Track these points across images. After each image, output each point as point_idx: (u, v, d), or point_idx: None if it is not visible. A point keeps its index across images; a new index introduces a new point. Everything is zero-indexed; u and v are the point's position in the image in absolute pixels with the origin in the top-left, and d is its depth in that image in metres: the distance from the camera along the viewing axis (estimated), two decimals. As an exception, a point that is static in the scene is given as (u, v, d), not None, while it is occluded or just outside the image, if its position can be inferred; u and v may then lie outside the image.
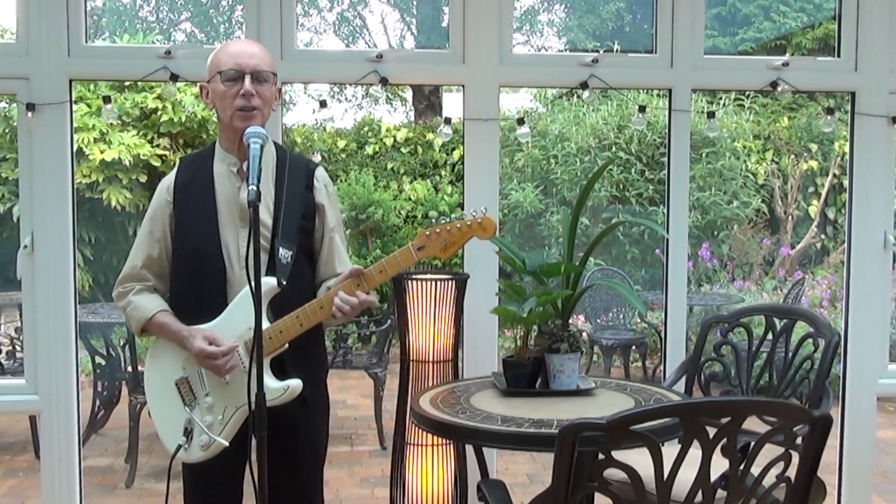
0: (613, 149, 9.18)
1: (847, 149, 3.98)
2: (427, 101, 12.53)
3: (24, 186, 3.58)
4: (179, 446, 2.58)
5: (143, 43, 10.07)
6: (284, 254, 2.57)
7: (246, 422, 2.56)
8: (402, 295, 3.52)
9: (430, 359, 3.53)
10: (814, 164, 10.18)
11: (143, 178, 8.59)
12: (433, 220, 2.64)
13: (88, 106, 8.32)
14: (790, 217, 9.93)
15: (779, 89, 3.79)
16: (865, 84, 3.84)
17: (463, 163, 3.80)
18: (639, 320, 7.97)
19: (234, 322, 2.58)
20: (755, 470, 2.02)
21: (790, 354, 3.27)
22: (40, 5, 3.51)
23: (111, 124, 8.29)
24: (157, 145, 8.68)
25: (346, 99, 14.52)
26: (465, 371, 3.69)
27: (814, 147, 10.23)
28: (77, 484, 3.67)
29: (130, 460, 5.10)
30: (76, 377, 3.64)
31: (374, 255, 9.17)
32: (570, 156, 9.27)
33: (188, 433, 2.58)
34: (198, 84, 2.74)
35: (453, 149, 10.01)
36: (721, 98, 9.68)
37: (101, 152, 8.29)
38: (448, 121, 3.93)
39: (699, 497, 1.98)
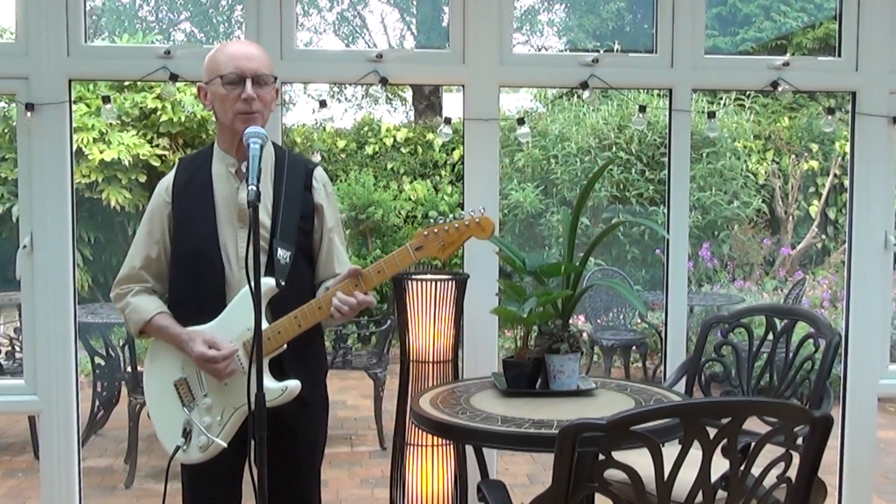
0: (614, 149, 9.18)
1: (848, 149, 3.98)
2: (427, 100, 12.53)
3: (23, 186, 3.57)
4: (178, 447, 2.58)
5: (142, 43, 10.07)
6: (283, 254, 2.56)
7: (245, 423, 2.55)
8: (401, 295, 3.51)
9: (430, 359, 3.53)
10: (814, 164, 10.17)
11: (143, 178, 8.59)
12: (432, 220, 2.63)
13: (88, 106, 8.31)
14: (791, 217, 9.93)
15: (779, 89, 3.79)
16: (866, 84, 3.83)
17: (463, 163, 3.79)
18: (639, 320, 7.97)
19: (233, 323, 2.57)
20: (756, 470, 2.02)
21: (791, 355, 3.27)
22: (39, 5, 3.51)
23: (110, 124, 8.29)
24: (157, 145, 8.67)
25: (345, 99, 14.53)
26: (465, 371, 3.68)
27: (814, 147, 10.23)
28: (76, 484, 3.66)
29: (130, 461, 5.10)
30: (75, 377, 3.63)
31: (373, 256, 9.16)
32: (570, 156, 9.26)
33: (187, 434, 2.58)
34: (196, 85, 2.73)
35: (453, 149, 10.01)
36: (721, 98, 9.68)
37: (101, 152, 8.29)
38: (448, 121, 3.92)
39: (699, 498, 1.97)
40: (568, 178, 9.23)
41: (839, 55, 3.89)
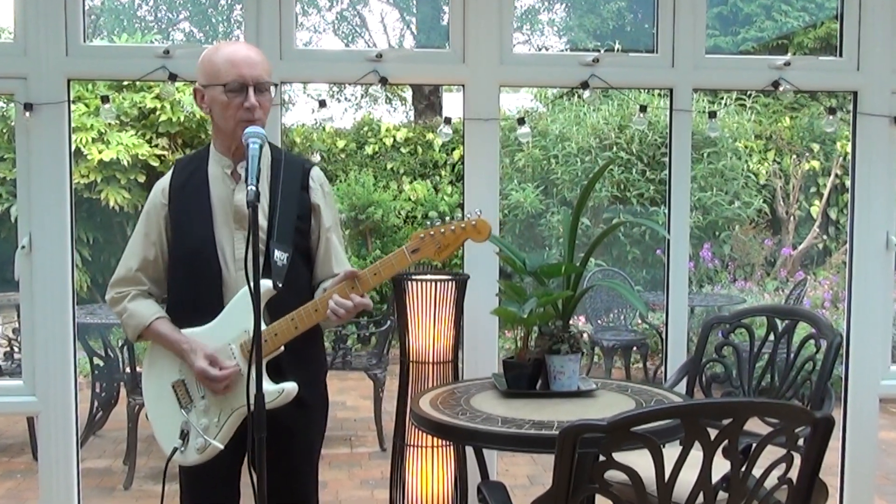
0: (614, 149, 9.17)
1: (849, 149, 3.97)
2: (427, 100, 12.53)
3: (21, 187, 3.56)
4: (175, 449, 2.58)
5: (141, 42, 10.07)
6: (280, 256, 2.56)
7: (242, 424, 2.55)
8: (401, 296, 3.50)
9: (430, 360, 3.52)
10: (816, 164, 10.16)
11: (142, 179, 8.59)
12: (430, 222, 2.63)
13: (87, 106, 8.31)
14: (792, 217, 9.92)
15: (780, 89, 3.78)
16: (867, 84, 3.82)
17: (463, 163, 3.79)
18: (640, 321, 7.96)
19: (230, 324, 2.57)
20: (757, 471, 2.02)
21: (792, 355, 3.26)
22: (38, 5, 3.50)
23: (109, 124, 8.29)
24: (156, 145, 8.67)
25: (345, 99, 14.52)
26: (465, 372, 3.67)
27: (816, 147, 10.22)
28: (75, 486, 3.65)
29: (129, 462, 5.09)
30: (74, 378, 3.62)
31: (373, 256, 9.16)
32: (570, 156, 9.26)
33: (184, 436, 2.57)
34: (193, 87, 2.71)
35: (453, 149, 10.01)
36: (722, 98, 9.67)
37: (100, 152, 8.29)
38: (448, 121, 3.91)
39: (700, 499, 1.97)
40: (568, 178, 9.22)
41: (840, 55, 3.87)
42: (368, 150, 10.24)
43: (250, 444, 2.22)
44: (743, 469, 1.97)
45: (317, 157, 9.48)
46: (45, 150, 3.52)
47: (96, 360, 5.40)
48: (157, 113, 8.62)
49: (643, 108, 3.98)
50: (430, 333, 3.49)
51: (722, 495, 1.99)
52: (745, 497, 2.02)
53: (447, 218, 2.63)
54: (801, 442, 2.05)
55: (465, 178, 3.74)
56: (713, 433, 1.91)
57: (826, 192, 9.98)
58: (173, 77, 3.53)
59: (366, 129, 10.47)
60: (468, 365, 3.70)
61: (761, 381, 3.36)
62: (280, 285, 2.52)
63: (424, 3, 16.38)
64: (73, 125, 3.71)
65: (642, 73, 3.85)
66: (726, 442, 1.91)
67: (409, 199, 9.82)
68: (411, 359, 3.54)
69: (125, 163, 8.41)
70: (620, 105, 9.33)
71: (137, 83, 8.38)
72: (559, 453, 1.93)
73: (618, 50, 9.27)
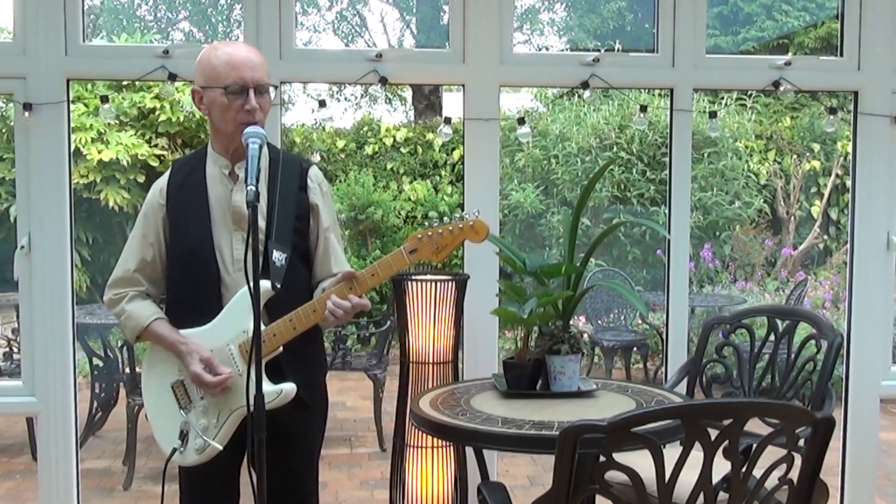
0: (615, 149, 9.17)
1: (850, 149, 3.96)
2: (427, 100, 12.52)
3: (20, 186, 3.56)
4: (175, 449, 2.57)
5: (140, 42, 10.06)
6: (278, 256, 2.55)
7: (241, 425, 2.55)
8: (401, 296, 3.50)
9: (430, 360, 3.51)
10: (816, 164, 10.16)
11: (141, 179, 8.58)
12: (428, 223, 2.62)
13: (86, 105, 8.30)
14: (792, 217, 9.91)
15: (781, 89, 3.77)
16: (868, 83, 3.81)
17: (463, 163, 3.78)
18: (640, 321, 7.96)
19: (229, 325, 2.57)
20: (757, 472, 2.02)
21: (792, 356, 3.25)
22: (37, 4, 3.49)
23: (109, 124, 8.28)
24: (156, 145, 8.66)
25: (345, 98, 14.51)
26: (465, 373, 3.67)
27: (816, 147, 10.22)
28: (74, 486, 3.64)
29: (128, 462, 5.08)
30: (73, 379, 3.62)
31: (373, 256, 9.15)
32: (570, 156, 9.25)
33: (183, 436, 2.57)
34: (190, 88, 2.69)
35: (453, 149, 10.00)
36: (723, 98, 9.66)
37: (99, 152, 8.28)
38: (448, 120, 3.91)
39: (701, 499, 1.97)
40: (568, 178, 9.22)
41: (841, 55, 3.87)
42: (368, 150, 10.23)
43: (250, 445, 2.22)
44: (743, 470, 1.97)
45: (317, 157, 9.46)
46: (44, 150, 3.51)
47: (96, 361, 5.39)
48: (157, 113, 8.61)
49: (643, 108, 3.97)
50: (430, 334, 3.49)
51: (722, 496, 1.99)
52: (745, 498, 2.01)
53: (446, 218, 2.62)
54: (801, 442, 2.05)
55: (465, 178, 3.74)
56: (714, 434, 1.91)
57: (827, 193, 9.97)
58: (173, 77, 3.52)
59: (365, 129, 10.47)
60: (468, 365, 3.69)
61: (762, 381, 3.35)
62: (278, 286, 2.51)
63: (424, 3, 16.38)
64: (72, 125, 3.71)
65: (643, 72, 3.84)
66: (727, 442, 1.91)
67: (409, 200, 9.81)
68: (411, 359, 3.53)
69: (124, 163, 8.40)
70: (621, 105, 9.32)
71: (137, 83, 8.37)
72: (559, 454, 1.93)
73: (618, 50, 9.27)
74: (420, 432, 3.22)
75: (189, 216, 2.64)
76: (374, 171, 10.03)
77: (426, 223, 2.63)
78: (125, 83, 8.45)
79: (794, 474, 2.05)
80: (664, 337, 3.92)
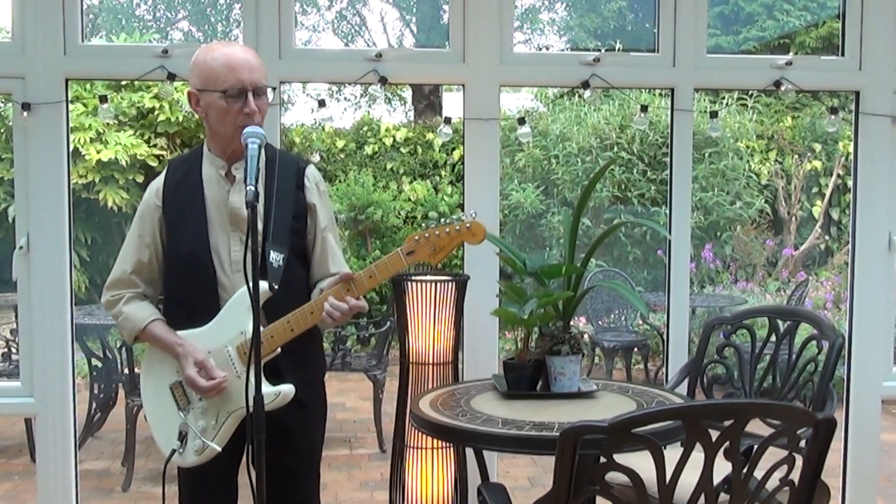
0: (615, 149, 9.16)
1: (851, 148, 3.95)
2: (427, 100, 12.51)
3: (19, 187, 3.55)
4: (174, 451, 2.57)
5: (139, 42, 10.05)
6: (276, 257, 2.53)
7: (240, 426, 2.54)
8: (401, 296, 3.49)
9: (430, 361, 3.50)
10: (817, 164, 10.15)
11: (140, 179, 8.57)
12: (425, 225, 2.61)
13: (85, 105, 8.29)
14: (794, 218, 9.91)
15: (782, 88, 3.76)
16: (870, 83, 3.80)
17: (463, 163, 3.78)
18: (641, 322, 7.95)
19: (226, 326, 2.56)
20: (758, 473, 2.01)
21: (794, 356, 3.24)
22: (36, 4, 3.48)
23: (107, 124, 8.28)
24: (154, 145, 8.66)
25: (344, 98, 14.50)
26: (465, 373, 3.66)
27: (817, 147, 10.21)
28: (73, 487, 3.64)
29: (127, 464, 5.07)
30: (72, 379, 3.61)
31: (373, 256, 9.15)
32: (571, 156, 9.24)
33: (182, 437, 2.56)
34: (187, 91, 2.65)
35: (453, 149, 9.99)
36: (724, 97, 9.66)
37: (98, 152, 8.28)
38: (448, 120, 3.90)
39: (702, 500, 1.97)
40: (569, 178, 9.21)
41: (842, 54, 3.86)
42: (368, 150, 10.22)
43: (249, 446, 2.21)
44: (744, 471, 1.97)
45: (316, 157, 9.46)
46: (42, 150, 3.50)
47: (94, 362, 5.39)
48: (156, 113, 8.61)
49: (644, 108, 3.96)
50: (430, 334, 3.48)
51: (723, 497, 1.99)
52: (746, 499, 2.01)
53: (443, 220, 2.61)
54: (802, 443, 2.05)
55: (465, 179, 3.73)
56: (714, 435, 1.91)
57: (828, 193, 9.97)
58: (172, 77, 3.52)
59: (365, 128, 10.46)
60: (468, 366, 3.68)
61: (763, 382, 3.34)
62: (276, 287, 2.50)
63: (424, 3, 16.39)
64: (71, 125, 3.70)
65: (643, 72, 3.84)
66: (728, 443, 1.91)
67: (409, 200, 9.80)
68: (411, 360, 3.52)
69: (123, 163, 8.40)
70: (621, 105, 9.32)
71: (136, 83, 8.37)
72: (560, 455, 1.93)
73: (619, 49, 9.27)
74: (420, 433, 3.21)
75: (185, 218, 2.63)
76: (374, 172, 10.03)
77: (426, 223, 2.62)
78: (124, 83, 8.45)
79: (796, 475, 2.05)
80: (665, 337, 3.91)
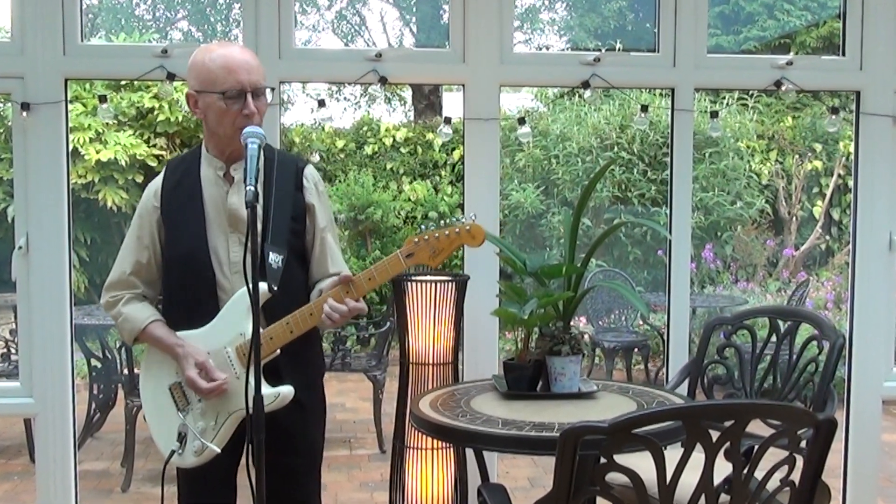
0: (615, 149, 9.15)
1: (852, 148, 3.95)
2: (427, 100, 12.51)
3: (18, 187, 3.55)
4: (173, 451, 2.56)
5: (139, 41, 10.03)
6: (275, 258, 2.52)
7: (239, 427, 2.54)
8: (401, 296, 3.48)
9: (430, 361, 3.50)
10: (818, 164, 10.15)
11: (140, 179, 8.56)
12: (424, 227, 2.60)
13: (84, 105, 8.29)
14: (794, 218, 9.90)
15: (783, 88, 3.76)
16: (870, 83, 3.80)
17: (463, 163, 3.77)
18: (641, 322, 7.94)
19: (225, 328, 2.56)
20: (759, 474, 2.01)
21: (794, 357, 3.24)
22: (35, 4, 3.48)
23: (107, 124, 8.27)
24: (154, 145, 8.65)
25: (344, 98, 14.49)
26: (465, 374, 3.65)
27: (818, 147, 10.20)
28: (72, 488, 3.63)
29: (127, 464, 5.07)
30: (72, 380, 3.60)
31: (373, 256, 9.14)
32: (571, 156, 9.24)
33: (182, 438, 2.56)
34: (185, 92, 2.64)
35: (453, 149, 9.98)
36: (724, 97, 9.65)
37: (97, 152, 8.27)
38: (448, 120, 3.89)
39: (702, 501, 1.97)
40: (569, 178, 9.20)
41: (843, 54, 3.85)
42: (368, 150, 10.22)
43: (249, 447, 2.20)
44: (745, 471, 1.97)
45: (316, 157, 9.46)
46: (42, 150, 3.50)
47: (94, 362, 5.38)
48: (155, 112, 8.60)
49: (644, 108, 3.96)
50: (430, 335, 3.47)
51: (724, 498, 2.00)
52: (747, 499, 2.01)
53: (443, 222, 2.61)
54: (803, 444, 2.05)
55: (465, 179, 3.72)
56: (715, 435, 1.90)
57: (829, 193, 9.96)
58: (171, 76, 3.51)
59: (365, 128, 10.45)
60: (468, 366, 3.68)
61: (763, 382, 3.34)
62: (275, 288, 2.49)
63: (424, 2, 16.38)
64: (70, 125, 3.70)
65: (643, 72, 3.83)
66: (728, 444, 1.91)
67: (409, 200, 9.79)
68: (411, 360, 3.52)
69: (123, 163, 8.39)
70: (622, 105, 9.31)
71: (135, 83, 8.36)
72: (560, 455, 1.93)
73: (619, 49, 9.26)
74: (420, 434, 3.21)
75: (184, 219, 2.62)
76: (374, 172, 10.02)
77: (425, 223, 2.61)
78: (123, 83, 8.45)
79: (796, 476, 2.05)
80: (665, 338, 3.91)
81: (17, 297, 3.57)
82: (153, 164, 8.51)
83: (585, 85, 3.69)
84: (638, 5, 15.43)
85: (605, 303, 7.89)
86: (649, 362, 7.73)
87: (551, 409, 2.78)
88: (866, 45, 3.79)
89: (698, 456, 1.89)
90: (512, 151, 9.46)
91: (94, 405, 5.47)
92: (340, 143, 10.22)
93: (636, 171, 9.14)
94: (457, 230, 2.58)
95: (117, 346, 5.40)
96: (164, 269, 2.68)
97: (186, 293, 2.62)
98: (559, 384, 2.90)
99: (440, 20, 15.45)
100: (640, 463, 1.89)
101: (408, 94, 13.31)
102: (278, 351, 2.52)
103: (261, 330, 2.48)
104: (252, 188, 2.18)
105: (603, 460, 1.89)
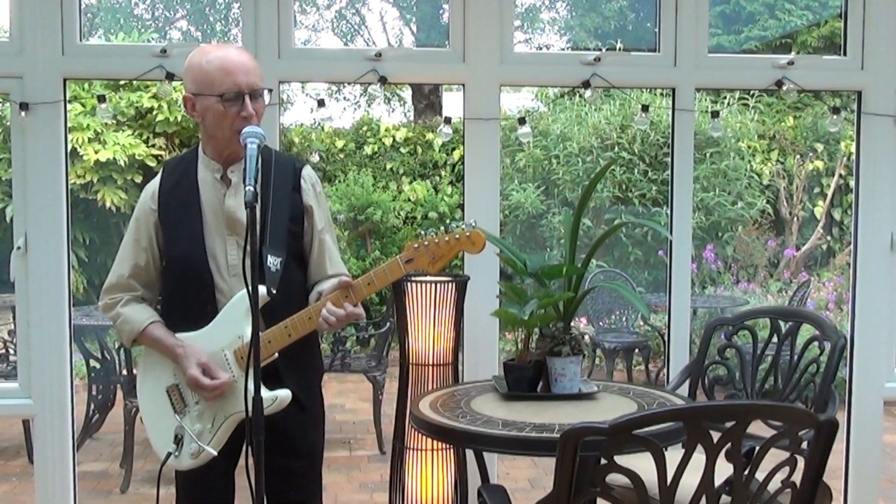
0: (616, 149, 9.15)
1: (853, 148, 3.94)
2: (426, 100, 12.50)
3: (17, 187, 3.54)
4: (169, 454, 2.56)
5: (138, 41, 10.02)
6: (273, 261, 2.51)
7: (237, 429, 2.53)
8: (401, 297, 3.48)
9: (430, 362, 3.49)
10: (819, 164, 10.14)
11: (139, 179, 8.56)
12: (424, 232, 2.59)
13: (83, 105, 8.29)
14: (795, 218, 9.89)
15: (784, 88, 3.75)
16: (872, 83, 3.79)
17: (463, 163, 3.77)
18: (642, 323, 7.94)
19: (223, 331, 2.55)
20: (760, 475, 2.01)
21: (795, 358, 3.23)
22: (34, 3, 3.47)
23: (106, 124, 8.27)
24: (153, 145, 8.65)
25: (344, 98, 14.49)
26: (465, 374, 3.65)
27: (819, 147, 10.19)
28: (71, 489, 3.62)
29: (125, 465, 5.06)
30: (70, 381, 3.60)
31: (373, 257, 9.14)
32: (571, 156, 9.23)
33: (178, 440, 2.55)
34: (183, 95, 2.61)
35: (453, 149, 9.97)
36: (725, 97, 9.64)
37: (96, 152, 8.27)
38: (448, 120, 3.89)
39: (703, 502, 1.97)
40: (569, 178, 9.20)
41: (844, 54, 3.85)
42: (367, 150, 10.21)
43: (247, 449, 2.19)
44: (746, 472, 1.97)
45: (315, 157, 9.46)
46: (40, 150, 3.49)
47: (92, 363, 5.37)
48: (154, 112, 8.61)
49: (645, 108, 3.95)
50: (430, 335, 3.47)
51: (725, 499, 1.99)
52: (748, 501, 2.01)
53: (443, 227, 2.59)
54: (804, 445, 2.05)
55: (466, 179, 3.72)
56: (716, 436, 1.90)
57: (830, 193, 9.95)
58: (170, 76, 3.50)
59: (365, 128, 10.44)
60: (468, 367, 3.67)
61: (764, 383, 3.33)
62: (274, 291, 2.47)
63: (424, 2, 16.37)
64: (69, 125, 3.69)
65: (644, 72, 3.82)
66: (729, 445, 1.91)
67: (409, 200, 9.79)
68: (411, 361, 3.51)
69: (122, 163, 8.39)
70: (622, 105, 9.30)
71: (134, 82, 8.36)
72: (560, 456, 1.92)
73: (619, 49, 9.25)
74: (420, 435, 3.20)
75: (181, 221, 2.61)
76: (374, 172, 10.01)
77: (425, 224, 2.61)
78: (122, 83, 8.45)
79: (797, 477, 2.05)
80: (666, 339, 3.90)
81: (16, 297, 3.57)
82: (152, 164, 8.50)
83: (586, 85, 3.68)
84: (638, 5, 15.43)
85: (605, 303, 7.89)
86: (650, 363, 7.72)
87: (552, 409, 2.77)
88: (868, 45, 3.78)
89: (699, 457, 1.88)
90: (512, 151, 9.45)
91: (92, 406, 5.46)
92: (340, 144, 10.21)
93: (637, 171, 9.13)
94: (457, 236, 2.57)
95: (116, 346, 5.39)
96: (163, 271, 2.67)
97: (184, 296, 2.61)
98: (559, 385, 2.89)
99: (440, 20, 15.45)
100: (641, 464, 1.89)
101: (407, 93, 13.31)
102: (276, 354, 2.51)
103: (261, 332, 2.48)
104: (251, 188, 2.17)
105: (603, 461, 1.88)
